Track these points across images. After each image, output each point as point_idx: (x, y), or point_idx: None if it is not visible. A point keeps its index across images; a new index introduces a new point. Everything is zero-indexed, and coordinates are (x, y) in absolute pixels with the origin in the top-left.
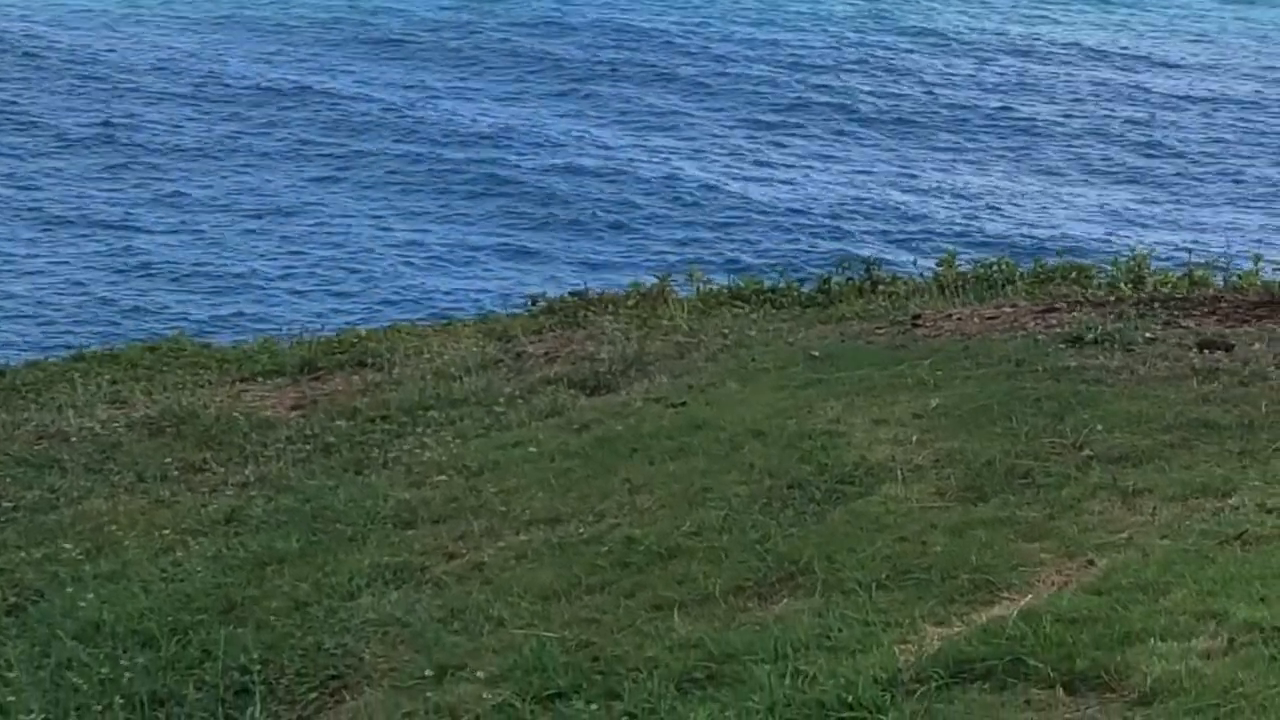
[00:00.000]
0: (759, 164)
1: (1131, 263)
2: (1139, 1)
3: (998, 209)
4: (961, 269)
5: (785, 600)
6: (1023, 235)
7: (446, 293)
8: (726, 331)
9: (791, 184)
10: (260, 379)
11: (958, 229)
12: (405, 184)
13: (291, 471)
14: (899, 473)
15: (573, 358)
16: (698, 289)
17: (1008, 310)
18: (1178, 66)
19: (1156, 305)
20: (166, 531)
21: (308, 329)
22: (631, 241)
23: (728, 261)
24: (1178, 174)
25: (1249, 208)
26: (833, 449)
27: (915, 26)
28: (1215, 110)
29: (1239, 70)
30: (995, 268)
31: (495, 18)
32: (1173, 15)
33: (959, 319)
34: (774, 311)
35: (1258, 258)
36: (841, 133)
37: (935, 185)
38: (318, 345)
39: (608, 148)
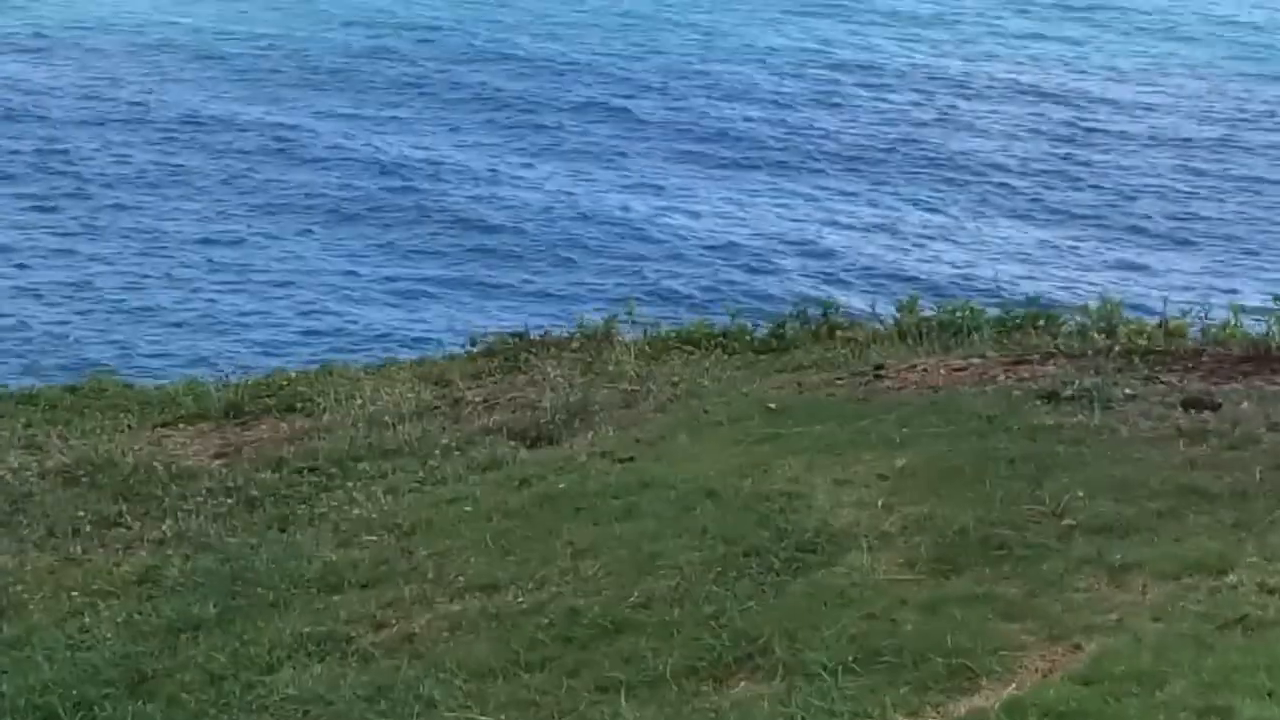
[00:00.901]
0: (701, 200)
1: (1103, 310)
2: (1082, 39)
3: (940, 248)
4: (924, 313)
5: (743, 684)
6: (967, 276)
7: (383, 332)
8: (676, 379)
9: (739, 220)
10: (184, 424)
11: (901, 268)
12: (342, 217)
13: (211, 528)
14: (864, 540)
15: (513, 405)
16: (645, 332)
17: (976, 361)
18: (1117, 104)
19: (1135, 359)
20: (75, 594)
21: (238, 369)
22: (574, 279)
23: (673, 298)
24: (1113, 213)
25: (1194, 250)
26: (792, 512)
27: (855, 61)
28: (1157, 148)
29: (1179, 110)
30: (959, 314)
31: (434, 49)
32: (1113, 53)
33: (924, 370)
34: (726, 357)
35: (1237, 309)
36: (784, 165)
37: (879, 223)
38: (245, 388)
39: (549, 182)
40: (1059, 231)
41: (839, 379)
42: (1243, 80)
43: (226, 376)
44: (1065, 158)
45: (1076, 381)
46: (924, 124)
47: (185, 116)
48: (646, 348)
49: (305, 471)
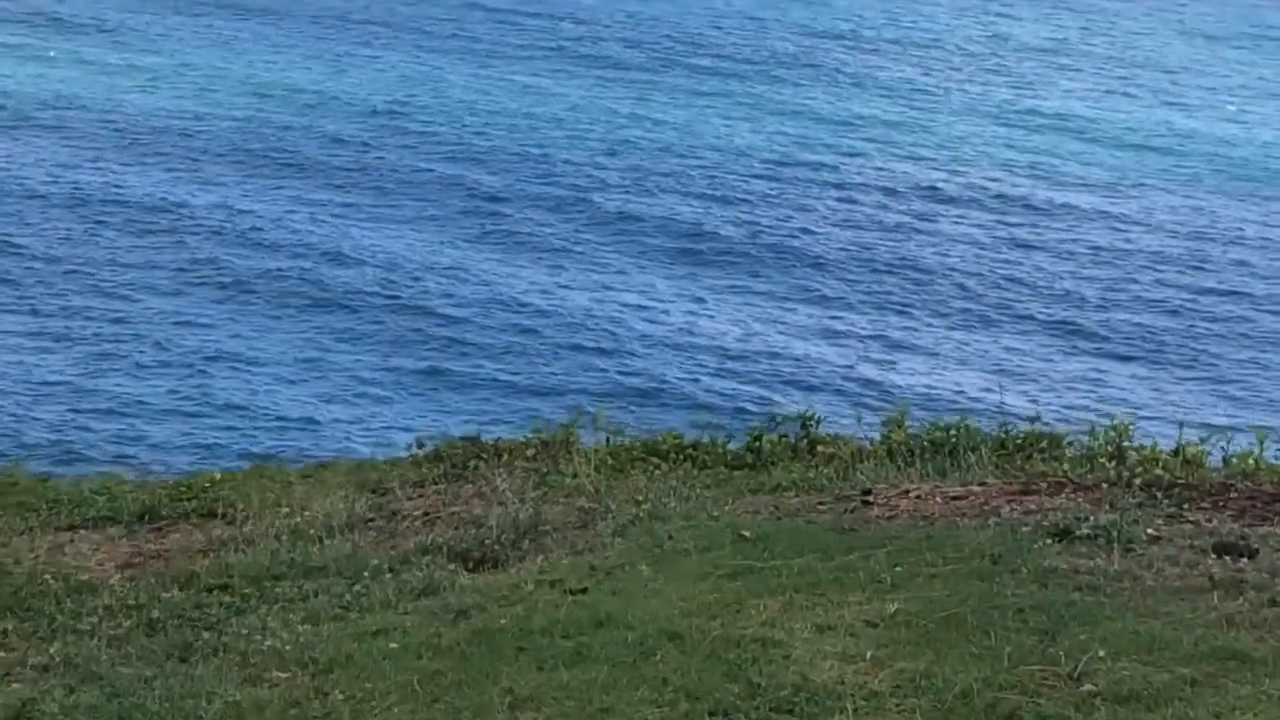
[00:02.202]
0: (670, 299)
1: (1111, 434)
2: (1048, 148)
3: (908, 356)
4: (912, 430)
5: None
6: (933, 386)
7: (333, 427)
8: (640, 498)
9: (708, 321)
10: (92, 528)
11: (869, 376)
12: (288, 305)
13: (104, 654)
14: (850, 701)
15: (456, 520)
16: (608, 440)
17: (976, 489)
18: (1083, 214)
19: (1155, 493)
20: None
21: (164, 465)
22: (536, 376)
23: (641, 400)
24: (1080, 324)
25: (1159, 365)
26: (767, 663)
27: (826, 164)
28: (1124, 262)
29: (1146, 221)
30: (953, 433)
31: (403, 138)
32: (1081, 161)
33: (918, 497)
34: (695, 473)
35: (1263, 437)
36: (754, 265)
37: (848, 329)
38: (163, 489)
39: (513, 276)
40: (1028, 341)
41: (822, 504)
42: (1215, 195)
43: (145, 474)
44: (1034, 268)
45: (1092, 518)
46: (892, 229)
47: (133, 198)
48: (608, 459)
49: (217, 590)
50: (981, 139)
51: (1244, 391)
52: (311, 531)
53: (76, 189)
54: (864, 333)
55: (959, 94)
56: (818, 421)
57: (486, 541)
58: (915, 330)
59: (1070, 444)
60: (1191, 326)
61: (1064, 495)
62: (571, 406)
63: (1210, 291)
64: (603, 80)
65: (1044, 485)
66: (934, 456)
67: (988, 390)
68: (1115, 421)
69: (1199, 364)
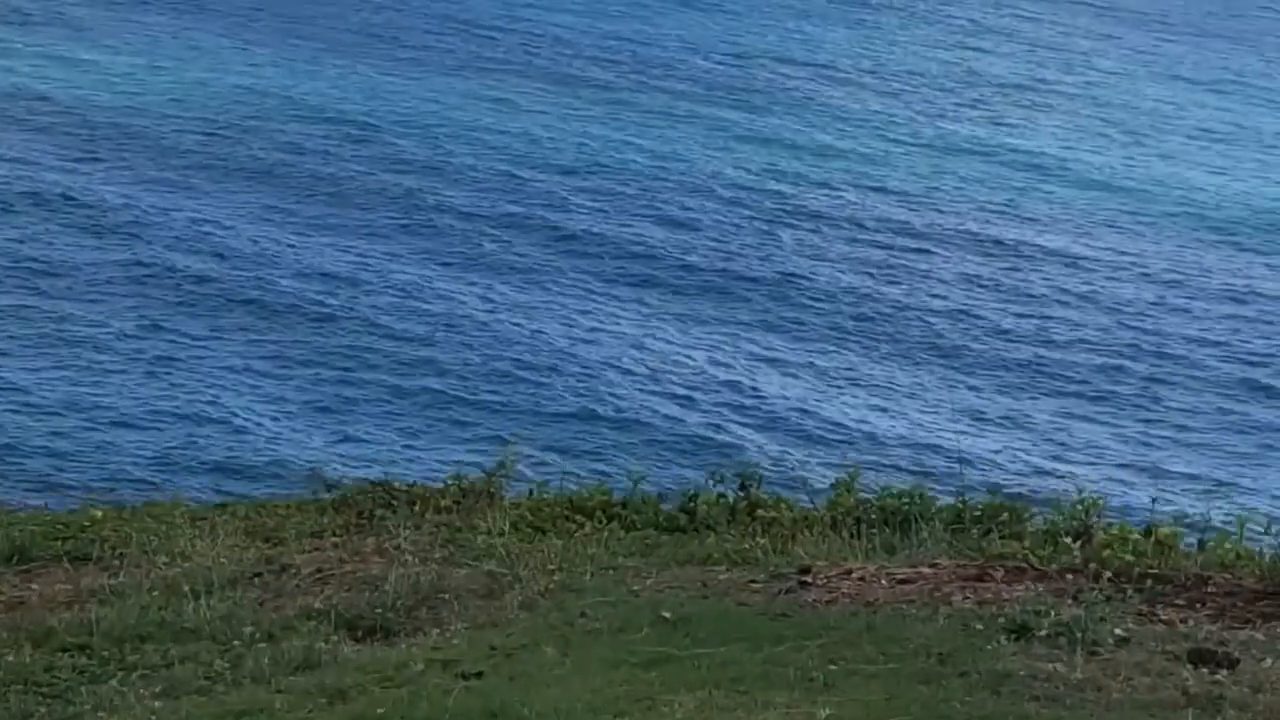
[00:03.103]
0: (628, 326)
1: (1077, 510)
2: (1018, 186)
3: (868, 398)
4: (862, 494)
5: None
6: (892, 432)
7: (233, 459)
8: (553, 567)
9: (662, 353)
10: None
11: (828, 418)
12: (233, 313)
13: None
14: None
15: (350, 580)
16: (531, 492)
17: (926, 572)
18: (1051, 254)
19: (1124, 584)
20: None
21: (42, 497)
22: (471, 409)
23: (587, 425)
24: (1044, 371)
25: (1123, 410)
26: None
27: (797, 196)
28: (1091, 306)
29: (1116, 264)
30: (905, 501)
31: (367, 149)
32: (1050, 201)
33: (861, 578)
34: (622, 535)
35: (1243, 521)
36: (717, 302)
37: (807, 365)
38: (38, 525)
39: (472, 297)
40: (990, 382)
41: (755, 581)
42: (1185, 242)
43: (19, 507)
44: (999, 308)
45: (1053, 613)
46: (859, 263)
47: (89, 198)
48: (528, 514)
49: (74, 651)
50: (953, 175)
51: (1206, 439)
52: (188, 587)
53: (32, 186)
54: (825, 367)
55: (930, 128)
56: (759, 481)
57: (380, 607)
58: (876, 367)
59: (1032, 516)
60: (1156, 373)
61: (1023, 584)
62: (514, 434)
63: (1177, 338)
64: (575, 99)
65: (1001, 571)
66: (883, 528)
67: (945, 433)
68: (1082, 495)
69: (1162, 411)
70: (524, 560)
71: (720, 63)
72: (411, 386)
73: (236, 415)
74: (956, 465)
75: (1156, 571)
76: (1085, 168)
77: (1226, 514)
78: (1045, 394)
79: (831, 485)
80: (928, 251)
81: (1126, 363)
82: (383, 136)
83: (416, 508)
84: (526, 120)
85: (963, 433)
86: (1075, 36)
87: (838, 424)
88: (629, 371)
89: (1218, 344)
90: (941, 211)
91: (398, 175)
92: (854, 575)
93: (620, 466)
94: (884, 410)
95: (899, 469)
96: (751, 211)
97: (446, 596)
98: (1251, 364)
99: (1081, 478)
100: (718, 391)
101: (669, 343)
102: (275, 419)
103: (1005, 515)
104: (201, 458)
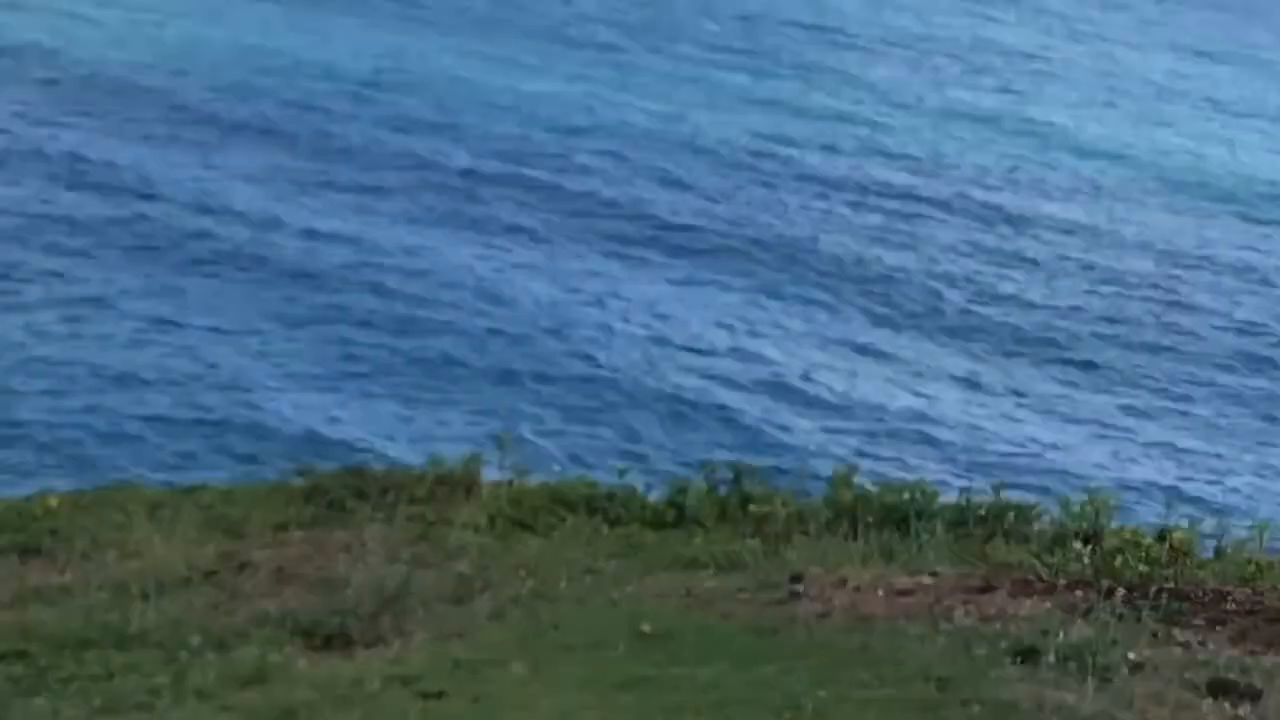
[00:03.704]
0: (626, 295)
1: (1087, 510)
2: (1027, 156)
3: (867, 366)
4: (864, 481)
5: None
6: (891, 399)
7: (223, 424)
8: (525, 570)
9: (662, 319)
10: None
11: (827, 385)
12: (236, 278)
13: None
14: None
15: (312, 580)
16: (512, 481)
17: (927, 582)
18: (1058, 225)
19: (1138, 600)
20: None
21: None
22: (487, 365)
23: (575, 414)
24: (1041, 340)
25: (1128, 384)
26: None
27: (802, 160)
28: (1095, 276)
29: (1122, 236)
30: (907, 496)
31: (374, 109)
32: (1059, 171)
33: (857, 588)
34: (606, 531)
35: (1263, 528)
36: (724, 267)
37: (808, 333)
38: None
39: (476, 260)
40: (994, 354)
41: (743, 590)
42: (1192, 214)
43: None
44: (1005, 278)
45: (1062, 633)
46: (866, 230)
47: (93, 156)
48: (508, 506)
49: (10, 658)
50: (961, 143)
51: (1208, 413)
52: (137, 587)
53: (30, 143)
54: (830, 336)
55: (939, 96)
56: (753, 474)
57: (342, 612)
58: (881, 337)
59: (1040, 516)
60: (1161, 346)
61: (1030, 598)
62: (514, 407)
63: (1181, 308)
64: (587, 61)
65: (1007, 583)
66: (882, 528)
67: (951, 408)
68: (1092, 495)
69: (1167, 384)
70: (498, 561)
71: (728, 25)
72: (411, 348)
73: (231, 376)
74: (960, 428)
75: (1172, 587)
76: (1096, 139)
77: (1241, 497)
78: (1050, 364)
79: (828, 480)
80: (932, 218)
81: (1133, 335)
82: (390, 96)
83: (390, 497)
84: (534, 81)
85: (967, 405)
86: (1085, 6)
87: (839, 391)
88: (631, 336)
89: (1223, 315)
90: (946, 179)
91: (404, 136)
92: (849, 585)
93: (620, 433)
94: (888, 380)
95: (903, 440)
96: (757, 175)
97: (412, 601)
98: (1255, 336)
99: (1085, 453)
100: (717, 357)
101: (672, 308)
102: (273, 383)
103: (1011, 515)
104: (194, 421)
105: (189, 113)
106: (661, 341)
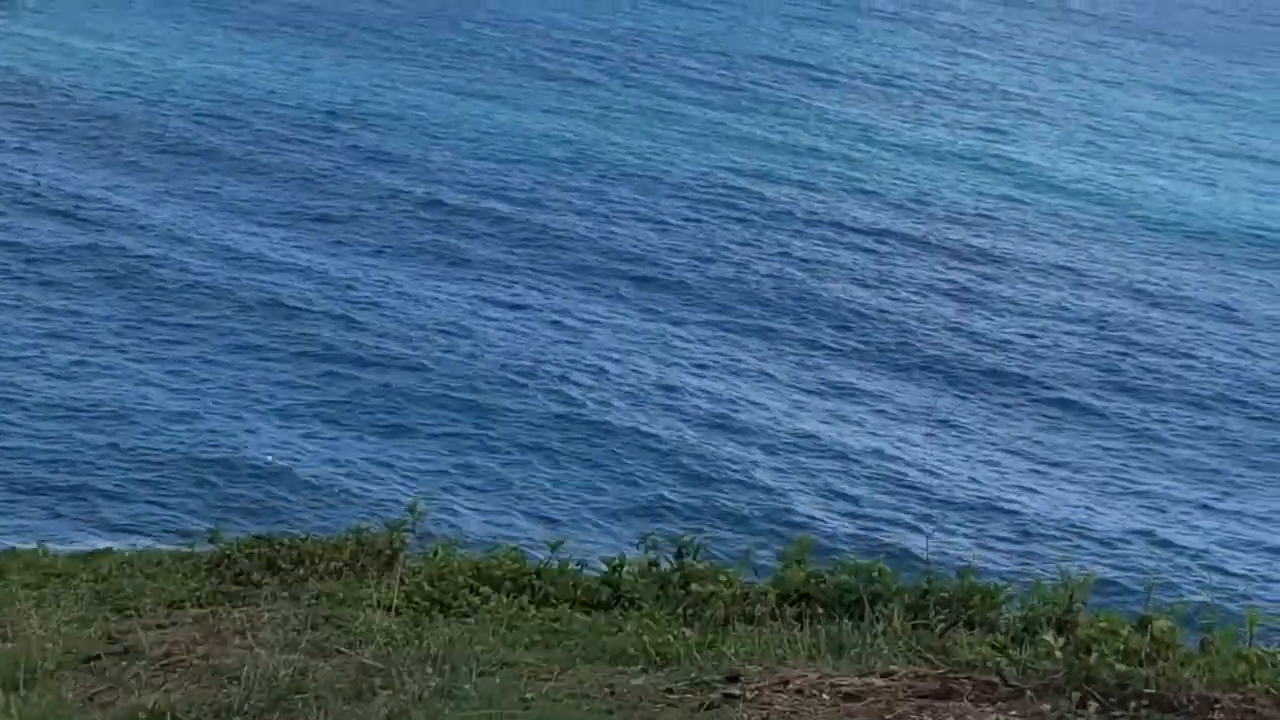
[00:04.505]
0: (598, 327)
1: (1060, 592)
2: (1006, 195)
3: (835, 407)
4: (813, 564)
5: None
6: (874, 444)
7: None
8: (433, 663)
9: (635, 354)
10: None
11: (796, 426)
12: (191, 308)
13: None
14: None
15: (200, 670)
16: (435, 552)
17: (878, 684)
18: (1035, 266)
19: (1115, 709)
20: None
21: None
22: (442, 402)
23: (545, 428)
24: (1012, 380)
25: (1098, 425)
26: None
27: (778, 197)
28: (1072, 316)
29: (1099, 277)
30: (866, 576)
31: (343, 140)
32: (1038, 211)
33: (799, 690)
34: (533, 613)
35: (1254, 619)
36: (694, 303)
37: (779, 369)
38: None
39: (442, 295)
40: (967, 394)
41: (672, 690)
42: (1173, 254)
43: None
44: (978, 318)
45: None
46: (840, 268)
47: (53, 184)
48: (426, 585)
49: None
50: (939, 181)
51: (1184, 454)
52: (3, 679)
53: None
54: (802, 374)
55: (918, 133)
56: (696, 550)
57: (224, 712)
58: (854, 376)
59: (1008, 600)
60: (1137, 387)
61: (994, 704)
62: (477, 442)
63: (1155, 351)
64: (564, 96)
65: (968, 685)
66: (834, 612)
67: (914, 447)
68: (1066, 577)
69: (1139, 424)
70: (406, 650)
71: (707, 60)
72: (371, 382)
73: (181, 407)
74: (922, 475)
75: (1153, 692)
76: (1076, 178)
77: (1216, 543)
78: (1022, 405)
79: (778, 554)
80: (908, 256)
81: (1107, 376)
82: (362, 127)
83: (303, 569)
84: (509, 114)
85: (939, 444)
86: (1067, 44)
87: (805, 432)
88: (597, 372)
89: (1197, 357)
90: (923, 216)
91: (375, 167)
92: (791, 686)
93: (575, 467)
94: (858, 420)
95: (871, 480)
96: (732, 211)
97: (307, 696)
98: (1231, 377)
99: (1058, 496)
100: (681, 396)
101: (644, 345)
102: (228, 413)
103: (977, 599)
104: (139, 452)
105: (160, 141)
106: (629, 379)
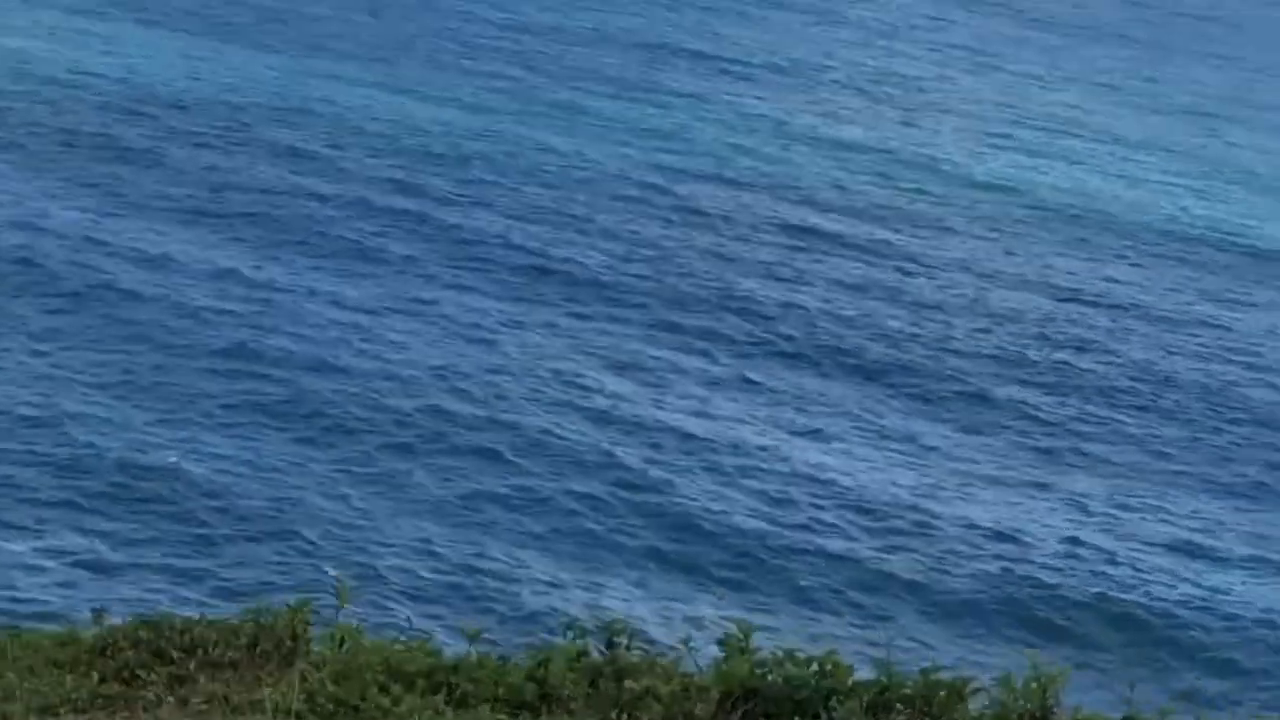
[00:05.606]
0: (505, 329)
1: (1034, 687)
2: (924, 192)
3: (764, 408)
4: (758, 651)
5: None
6: (791, 450)
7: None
8: None
9: (547, 354)
10: None
11: (712, 432)
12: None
13: None
14: None
15: None
16: (341, 642)
17: None
18: (954, 263)
19: None
20: None
21: None
22: (336, 434)
23: (444, 475)
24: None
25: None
26: None
27: (692, 194)
28: (989, 315)
29: (1019, 275)
30: (815, 669)
31: (254, 137)
32: (955, 209)
33: None
34: (450, 715)
35: None
36: (604, 304)
37: (698, 371)
38: None
39: (338, 296)
40: (883, 396)
41: None
42: (1090, 251)
43: None
44: (892, 316)
45: None
46: (755, 265)
47: None
48: (329, 684)
49: None
50: (857, 176)
51: (1102, 451)
52: None
53: None
54: (720, 376)
55: (836, 128)
56: (629, 638)
57: None
58: (771, 376)
59: (975, 693)
60: (1055, 385)
61: None
62: (392, 467)
63: (1076, 347)
64: (480, 91)
65: None
66: (781, 708)
67: (841, 450)
68: (1038, 670)
69: (1061, 425)
70: None
71: (628, 55)
72: (281, 394)
73: (87, 410)
74: (853, 486)
75: None
76: (996, 174)
77: (1138, 542)
78: (941, 401)
79: (719, 642)
80: (826, 253)
81: (1021, 372)
82: (280, 126)
83: (194, 661)
84: (428, 111)
85: (857, 446)
86: (985, 38)
87: (718, 438)
88: (518, 380)
89: (1119, 354)
90: (841, 213)
91: (292, 165)
92: None
93: (484, 475)
94: (776, 423)
95: (792, 486)
96: (649, 209)
97: None
98: (1149, 375)
99: (982, 498)
100: (595, 396)
101: (563, 349)
102: (137, 415)
103: (941, 696)
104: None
105: (63, 137)
106: (543, 379)
